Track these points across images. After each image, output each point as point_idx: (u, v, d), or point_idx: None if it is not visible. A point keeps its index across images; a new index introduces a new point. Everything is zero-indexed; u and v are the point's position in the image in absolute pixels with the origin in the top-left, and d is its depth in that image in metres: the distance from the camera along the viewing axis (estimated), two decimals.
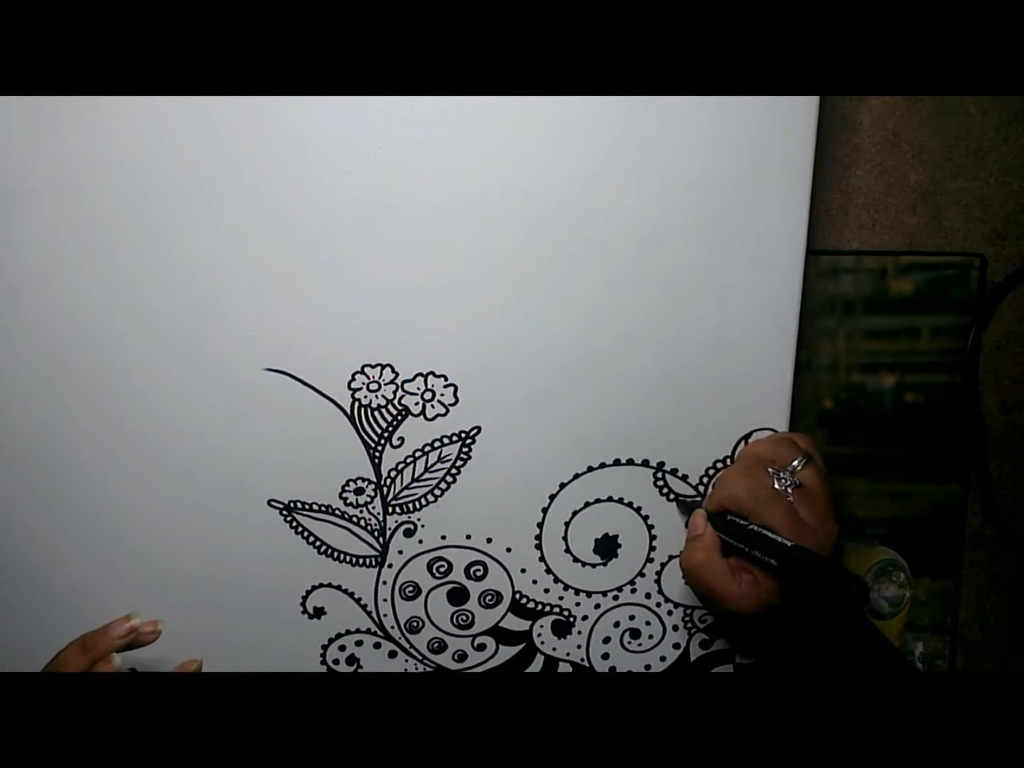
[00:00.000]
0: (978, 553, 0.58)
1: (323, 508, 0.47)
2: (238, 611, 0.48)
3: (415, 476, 0.46)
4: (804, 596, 0.43)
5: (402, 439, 0.46)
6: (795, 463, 0.44)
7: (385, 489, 0.47)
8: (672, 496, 0.48)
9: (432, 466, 0.46)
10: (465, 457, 0.46)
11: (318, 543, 0.47)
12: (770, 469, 0.44)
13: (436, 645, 0.50)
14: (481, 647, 0.51)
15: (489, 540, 0.48)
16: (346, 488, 0.46)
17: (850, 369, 0.53)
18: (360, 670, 0.50)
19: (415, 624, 0.50)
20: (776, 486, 0.43)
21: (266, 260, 0.42)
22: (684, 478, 0.48)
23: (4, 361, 0.43)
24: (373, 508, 0.47)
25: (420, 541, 0.48)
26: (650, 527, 0.49)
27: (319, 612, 0.49)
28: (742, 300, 0.45)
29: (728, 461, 0.48)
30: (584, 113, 0.41)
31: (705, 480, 0.48)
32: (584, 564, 0.49)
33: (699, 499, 0.48)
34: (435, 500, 0.47)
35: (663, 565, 0.50)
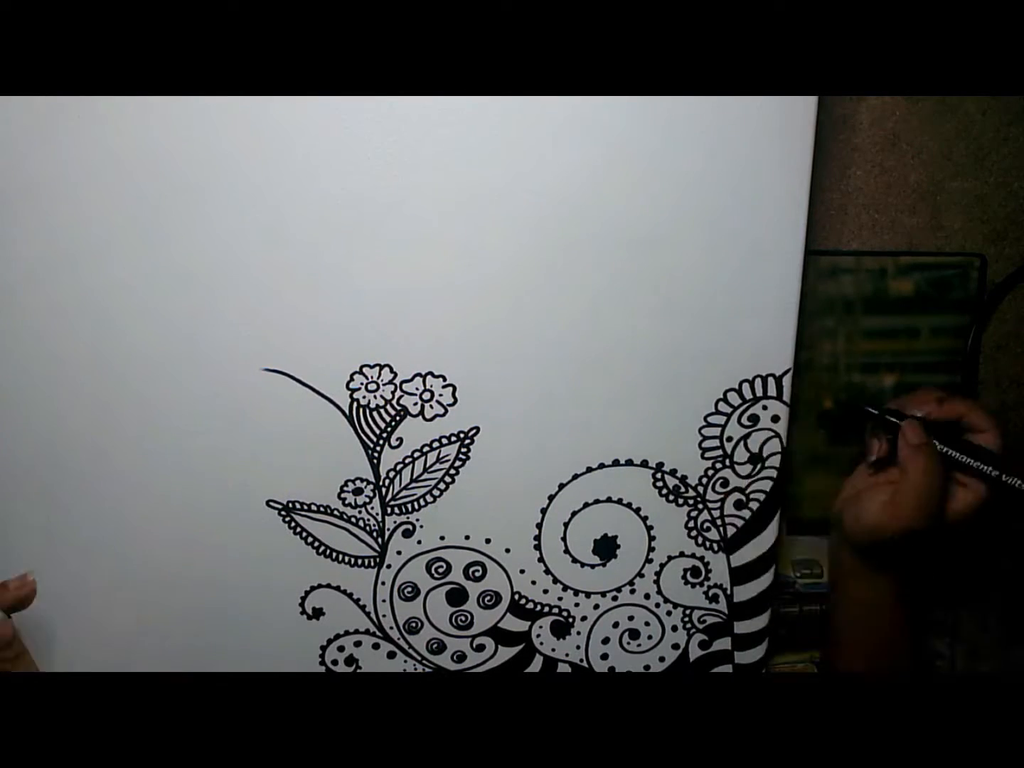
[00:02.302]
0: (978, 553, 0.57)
1: (322, 508, 0.47)
2: (237, 612, 0.48)
3: (414, 476, 0.46)
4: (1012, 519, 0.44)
5: (401, 439, 0.46)
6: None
7: (384, 489, 0.47)
8: (671, 496, 0.48)
9: (431, 466, 0.46)
10: (464, 457, 0.46)
11: (317, 544, 0.47)
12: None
13: (435, 646, 0.50)
14: (480, 648, 0.50)
15: (488, 541, 0.48)
16: (345, 488, 0.46)
17: (850, 369, 0.53)
18: (359, 671, 0.50)
19: (414, 625, 0.50)
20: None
21: (265, 260, 0.42)
22: (684, 479, 0.48)
23: (2, 361, 0.43)
24: (372, 509, 0.47)
25: (419, 542, 0.48)
26: (649, 528, 0.49)
27: (318, 613, 0.49)
28: (742, 300, 0.45)
29: (728, 461, 0.48)
30: (584, 113, 0.41)
31: (705, 480, 0.48)
32: (583, 565, 0.49)
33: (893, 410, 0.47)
34: (434, 500, 0.47)
35: (662, 566, 0.50)
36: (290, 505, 0.46)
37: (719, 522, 0.49)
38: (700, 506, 0.49)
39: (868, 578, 0.47)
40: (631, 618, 0.51)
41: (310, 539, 0.47)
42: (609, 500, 0.48)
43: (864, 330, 0.52)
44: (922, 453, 0.44)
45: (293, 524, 0.47)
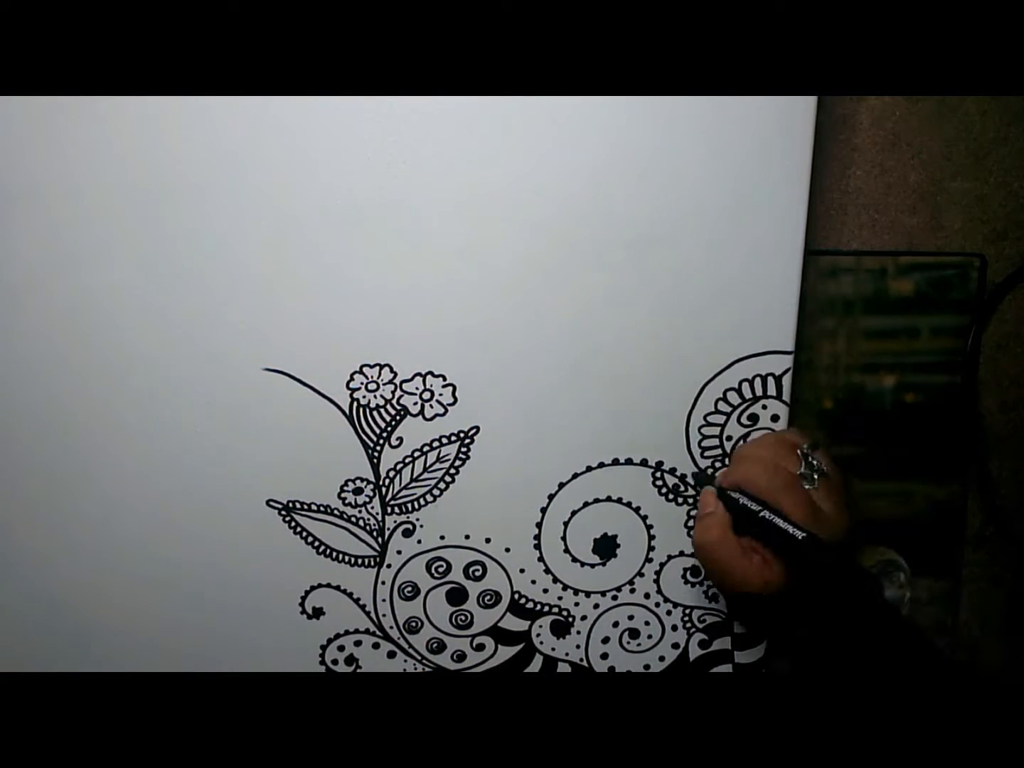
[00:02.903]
0: (978, 553, 0.57)
1: (322, 508, 0.47)
2: (237, 611, 0.48)
3: (414, 476, 0.46)
4: (814, 588, 0.42)
5: (401, 439, 0.46)
6: (814, 444, 0.44)
7: (384, 489, 0.47)
8: (671, 495, 0.48)
9: (431, 466, 0.46)
10: (464, 457, 0.46)
11: (317, 543, 0.47)
12: (799, 451, 0.43)
13: (435, 645, 0.50)
14: (480, 647, 0.51)
15: (488, 540, 0.48)
16: (345, 488, 0.46)
17: (850, 369, 0.53)
18: (359, 670, 0.50)
19: (414, 624, 0.50)
20: (802, 468, 0.43)
21: (265, 260, 0.42)
22: (683, 478, 0.48)
23: (3, 360, 0.43)
24: (372, 508, 0.47)
25: (419, 541, 0.48)
26: (649, 527, 0.49)
27: (318, 612, 0.49)
28: (742, 300, 0.45)
29: (727, 461, 0.48)
30: (584, 113, 0.41)
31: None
32: (583, 564, 0.49)
33: (713, 473, 0.48)
34: (434, 500, 0.47)
35: (662, 565, 0.50)
36: (290, 505, 0.46)
37: None
38: None
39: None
40: (631, 617, 0.51)
41: (310, 539, 0.47)
42: (609, 499, 0.48)
43: (864, 330, 0.52)
44: (709, 523, 0.43)
45: (293, 524, 0.47)
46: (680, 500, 0.49)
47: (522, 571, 0.49)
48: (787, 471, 0.43)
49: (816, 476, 0.43)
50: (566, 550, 0.49)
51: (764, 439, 0.46)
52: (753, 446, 0.46)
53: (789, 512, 0.41)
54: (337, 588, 0.48)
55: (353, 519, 0.47)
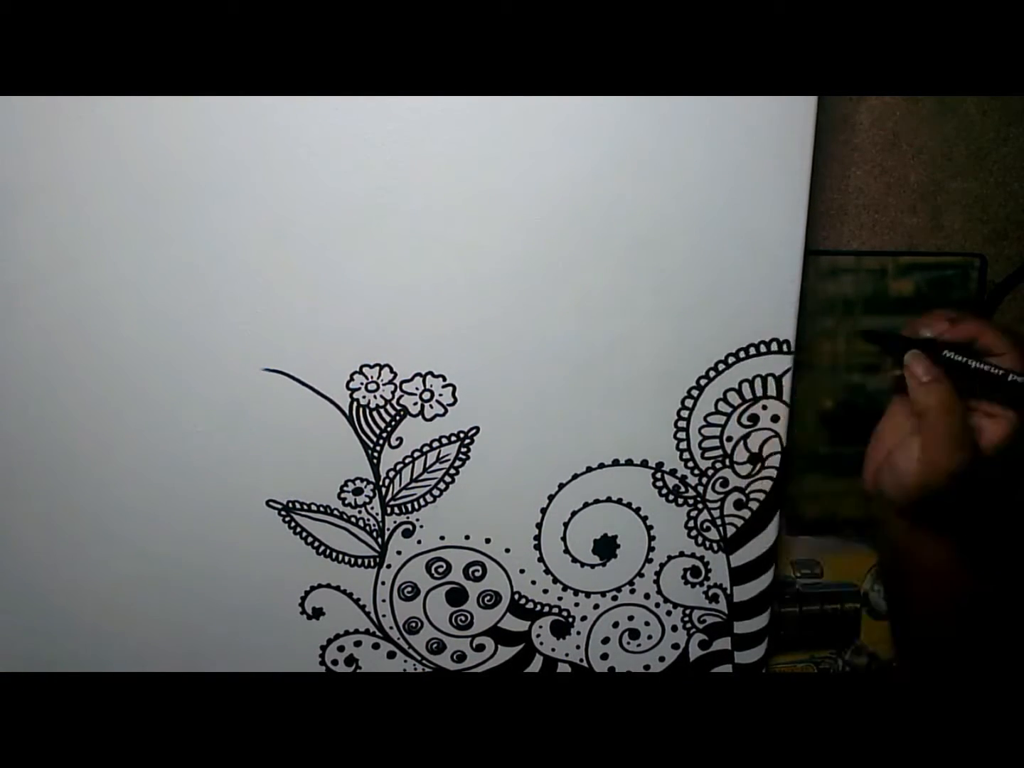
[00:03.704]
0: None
1: (322, 508, 0.47)
2: (237, 611, 0.48)
3: (414, 476, 0.46)
4: None
5: (400, 439, 0.46)
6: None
7: (384, 489, 0.47)
8: (671, 496, 0.48)
9: (431, 466, 0.46)
10: (464, 457, 0.46)
11: (317, 543, 0.47)
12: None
13: (435, 645, 0.50)
14: (480, 647, 0.50)
15: (488, 540, 0.48)
16: (344, 488, 0.46)
17: (850, 369, 0.53)
18: (359, 671, 0.50)
19: (414, 624, 0.50)
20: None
21: (265, 260, 0.42)
22: (683, 479, 0.48)
23: (3, 360, 0.43)
24: (372, 508, 0.47)
25: (419, 541, 0.48)
26: (649, 528, 0.49)
27: (318, 613, 0.49)
28: (741, 300, 0.45)
29: (727, 461, 0.48)
30: (583, 113, 0.41)
31: (705, 480, 0.48)
32: (583, 564, 0.49)
33: (896, 335, 0.43)
34: (434, 500, 0.47)
35: (662, 565, 0.50)
36: (290, 505, 0.46)
37: (719, 522, 0.49)
38: (700, 506, 0.49)
39: (932, 543, 0.43)
40: (631, 618, 0.51)
41: (310, 539, 0.47)
42: (609, 500, 0.48)
43: (864, 330, 0.52)
44: (933, 390, 0.40)
45: (293, 524, 0.47)
46: (680, 501, 0.49)
47: (522, 571, 0.49)
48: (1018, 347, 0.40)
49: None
50: (566, 550, 0.49)
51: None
52: (968, 315, 0.43)
53: (1007, 362, 0.39)
54: (337, 588, 0.48)
55: (353, 519, 0.47)
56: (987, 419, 0.41)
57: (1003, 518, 0.45)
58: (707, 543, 0.50)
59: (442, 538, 0.48)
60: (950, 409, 0.40)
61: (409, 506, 0.47)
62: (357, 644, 0.50)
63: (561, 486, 0.48)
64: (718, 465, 0.48)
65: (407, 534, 0.48)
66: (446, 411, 0.45)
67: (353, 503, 0.47)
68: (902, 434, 0.43)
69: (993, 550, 0.45)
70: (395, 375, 0.45)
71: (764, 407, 0.47)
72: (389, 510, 0.47)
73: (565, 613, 0.50)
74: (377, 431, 0.45)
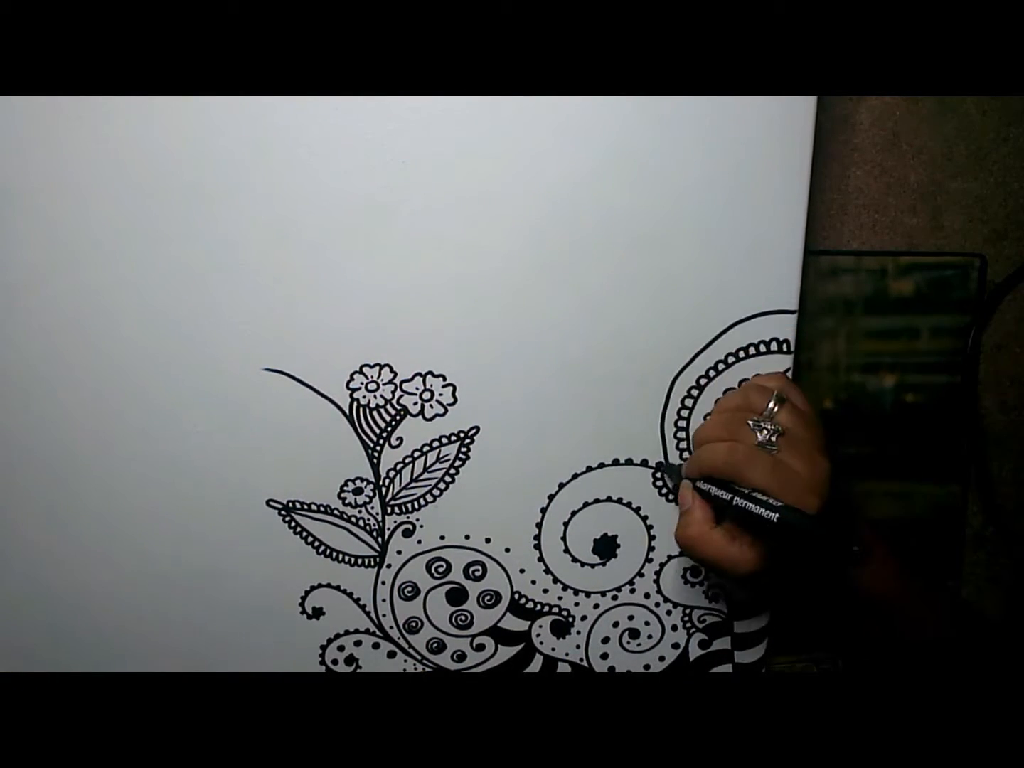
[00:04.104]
0: (978, 553, 0.58)
1: (322, 508, 0.47)
2: (237, 611, 0.48)
3: (414, 476, 0.46)
4: (801, 559, 0.42)
5: (401, 439, 0.46)
6: (770, 406, 0.42)
7: (384, 489, 0.47)
8: (671, 496, 0.48)
9: (431, 466, 0.46)
10: (464, 457, 0.46)
11: (317, 543, 0.47)
12: (749, 422, 0.42)
13: (435, 645, 0.50)
14: (480, 647, 0.51)
15: (488, 540, 0.48)
16: (345, 488, 0.46)
17: (850, 369, 0.53)
18: (359, 670, 0.50)
19: (414, 624, 0.50)
20: (759, 438, 0.41)
21: (265, 260, 0.42)
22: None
23: (3, 360, 0.43)
24: (372, 508, 0.47)
25: (419, 541, 0.48)
26: (649, 527, 0.49)
27: (318, 612, 0.49)
28: (741, 300, 0.45)
29: None
30: (583, 113, 0.41)
31: None
32: (583, 564, 0.49)
33: (679, 465, 0.47)
34: (434, 500, 0.47)
35: (662, 565, 0.50)
36: (290, 505, 0.46)
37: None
38: None
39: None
40: (631, 617, 0.51)
41: (310, 539, 0.47)
42: (609, 500, 0.48)
43: (864, 330, 0.52)
44: (681, 523, 0.44)
45: (293, 524, 0.47)
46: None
47: (522, 571, 0.49)
48: (744, 445, 0.41)
49: (774, 439, 0.41)
50: (566, 550, 0.49)
51: (714, 416, 0.45)
52: (706, 427, 0.45)
53: (757, 486, 0.40)
54: (337, 588, 0.48)
55: (353, 519, 0.47)
56: (749, 544, 0.42)
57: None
58: None
59: (442, 538, 0.48)
60: (693, 544, 0.43)
61: (409, 506, 0.47)
62: (357, 644, 0.50)
63: (561, 486, 0.48)
64: None
65: (407, 534, 0.48)
66: (446, 411, 0.45)
67: (353, 503, 0.47)
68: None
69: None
70: (395, 375, 0.45)
71: None
72: (389, 510, 0.47)
73: (565, 613, 0.50)
74: (377, 431, 0.45)
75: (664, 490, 0.48)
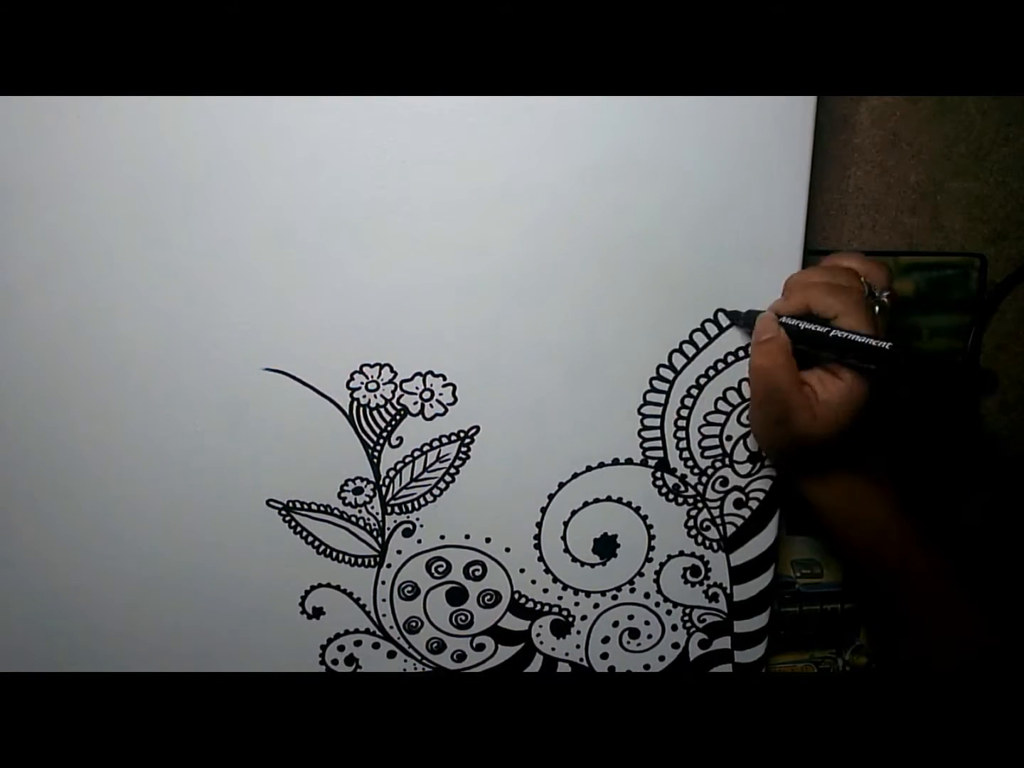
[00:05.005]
0: (978, 552, 0.58)
1: (322, 508, 0.47)
2: (237, 611, 0.48)
3: (414, 476, 0.46)
4: (919, 396, 0.40)
5: (401, 439, 0.46)
6: (888, 285, 0.41)
7: (384, 489, 0.47)
8: (671, 495, 0.48)
9: (431, 466, 0.46)
10: (464, 457, 0.46)
11: (317, 543, 0.47)
12: (863, 279, 0.40)
13: (435, 645, 0.50)
14: (480, 647, 0.51)
15: (488, 540, 0.48)
16: (345, 488, 0.46)
17: None
18: (359, 670, 0.50)
19: (414, 624, 0.50)
20: (867, 294, 0.40)
21: (265, 260, 0.42)
22: (683, 478, 0.48)
23: (3, 361, 0.43)
24: (372, 508, 0.47)
25: (419, 541, 0.48)
26: (649, 527, 0.49)
27: (318, 612, 0.49)
28: (742, 300, 0.45)
29: (727, 460, 0.48)
30: (583, 113, 0.41)
31: (704, 480, 0.48)
32: (583, 564, 0.49)
33: (757, 310, 0.44)
34: (434, 500, 0.47)
35: (662, 565, 0.50)
36: (290, 504, 0.46)
37: (719, 521, 0.49)
38: (700, 505, 0.49)
39: (831, 495, 0.43)
40: (631, 617, 0.51)
41: (310, 538, 0.47)
42: (609, 499, 0.48)
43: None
44: (763, 349, 0.41)
45: (293, 523, 0.47)
46: (680, 500, 0.49)
47: (522, 571, 0.49)
48: (855, 290, 0.39)
49: (878, 309, 0.39)
50: (566, 550, 0.49)
51: (820, 265, 0.42)
52: (810, 272, 0.42)
53: (862, 328, 0.38)
54: (337, 588, 0.48)
55: (353, 519, 0.47)
56: (831, 378, 0.40)
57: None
58: (707, 542, 0.50)
59: (442, 537, 0.48)
60: (775, 369, 0.40)
61: (409, 505, 0.47)
62: (357, 644, 0.50)
63: (561, 485, 0.48)
64: (718, 464, 0.48)
65: (407, 533, 0.48)
66: (446, 410, 0.45)
67: (353, 502, 0.47)
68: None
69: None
70: (395, 375, 0.45)
71: None
72: (389, 509, 0.47)
73: (565, 612, 0.50)
74: (377, 430, 0.45)
75: (664, 490, 0.48)
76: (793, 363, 0.40)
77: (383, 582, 0.49)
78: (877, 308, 0.40)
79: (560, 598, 0.50)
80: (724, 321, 0.45)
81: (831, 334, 0.38)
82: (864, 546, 0.43)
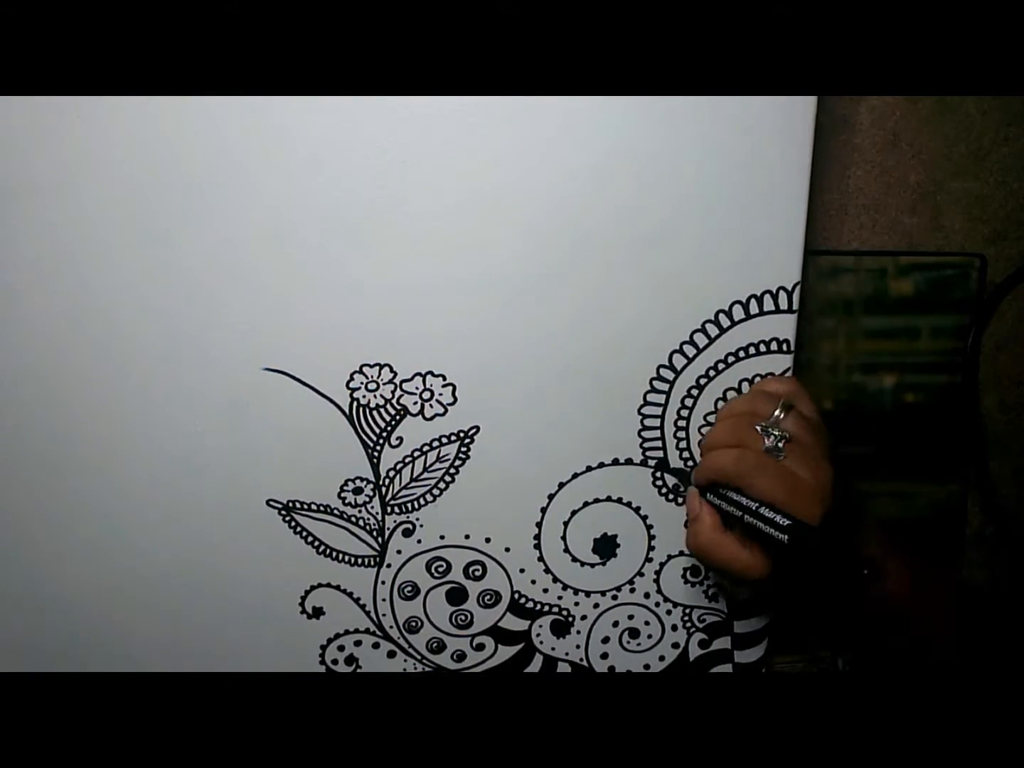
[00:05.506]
0: (978, 553, 0.58)
1: (322, 508, 0.47)
2: (237, 611, 0.48)
3: (414, 476, 0.46)
4: (810, 575, 0.41)
5: (401, 439, 0.46)
6: (777, 414, 0.42)
7: (384, 489, 0.47)
8: (671, 495, 0.48)
9: (431, 466, 0.46)
10: (464, 457, 0.46)
11: (317, 543, 0.47)
12: (756, 427, 0.42)
13: (435, 645, 0.50)
14: (480, 647, 0.51)
15: (488, 540, 0.48)
16: (345, 488, 0.46)
17: (850, 369, 0.53)
18: (359, 670, 0.50)
19: (414, 624, 0.50)
20: (766, 444, 0.41)
21: (265, 260, 0.42)
22: (684, 478, 0.48)
23: (3, 360, 0.43)
24: (372, 508, 0.47)
25: (419, 541, 0.48)
26: (649, 527, 0.49)
27: (318, 612, 0.49)
28: (741, 300, 0.45)
29: None
30: (583, 113, 0.41)
31: None
32: (583, 564, 0.49)
33: (689, 470, 0.47)
34: (434, 500, 0.47)
35: (662, 565, 0.50)
36: (290, 504, 0.46)
37: None
38: None
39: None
40: (631, 617, 0.51)
41: (310, 538, 0.47)
42: (609, 499, 0.48)
43: (864, 330, 0.52)
44: (691, 531, 0.44)
45: (293, 523, 0.47)
46: (680, 500, 0.49)
47: (522, 571, 0.49)
48: (752, 451, 0.41)
49: (781, 445, 0.41)
50: (566, 550, 0.49)
51: (721, 422, 0.45)
52: (713, 433, 0.44)
53: (764, 495, 0.40)
54: (337, 588, 0.48)
55: (353, 519, 0.47)
56: (758, 551, 0.42)
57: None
58: None
59: (442, 537, 0.48)
60: (706, 552, 0.43)
61: (409, 505, 0.47)
62: (357, 644, 0.50)
63: (561, 485, 0.48)
64: None
65: (407, 533, 0.48)
66: (446, 411, 0.45)
67: (353, 502, 0.47)
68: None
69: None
70: (395, 375, 0.45)
71: None
72: (389, 509, 0.47)
73: (565, 612, 0.50)
74: (377, 431, 0.45)
75: (664, 490, 0.48)
76: (721, 535, 0.43)
77: (383, 582, 0.49)
78: (781, 443, 0.41)
79: (560, 598, 0.50)
80: (724, 322, 0.45)
81: (743, 517, 0.40)
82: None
